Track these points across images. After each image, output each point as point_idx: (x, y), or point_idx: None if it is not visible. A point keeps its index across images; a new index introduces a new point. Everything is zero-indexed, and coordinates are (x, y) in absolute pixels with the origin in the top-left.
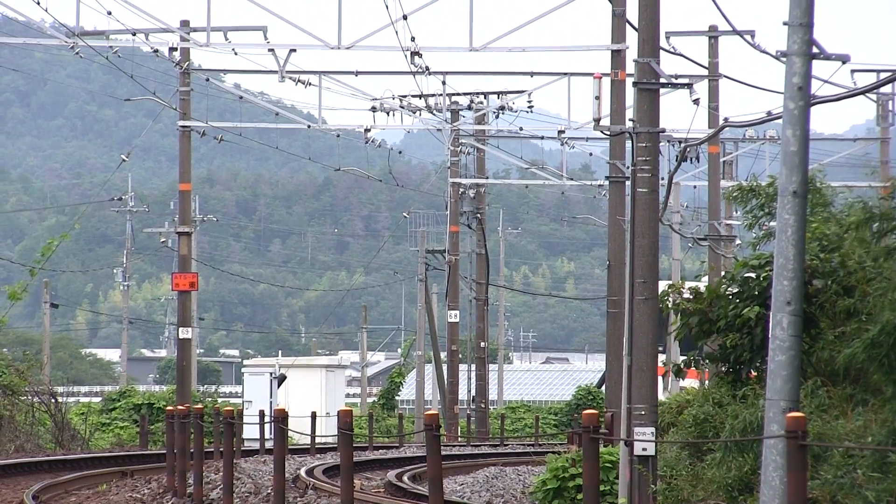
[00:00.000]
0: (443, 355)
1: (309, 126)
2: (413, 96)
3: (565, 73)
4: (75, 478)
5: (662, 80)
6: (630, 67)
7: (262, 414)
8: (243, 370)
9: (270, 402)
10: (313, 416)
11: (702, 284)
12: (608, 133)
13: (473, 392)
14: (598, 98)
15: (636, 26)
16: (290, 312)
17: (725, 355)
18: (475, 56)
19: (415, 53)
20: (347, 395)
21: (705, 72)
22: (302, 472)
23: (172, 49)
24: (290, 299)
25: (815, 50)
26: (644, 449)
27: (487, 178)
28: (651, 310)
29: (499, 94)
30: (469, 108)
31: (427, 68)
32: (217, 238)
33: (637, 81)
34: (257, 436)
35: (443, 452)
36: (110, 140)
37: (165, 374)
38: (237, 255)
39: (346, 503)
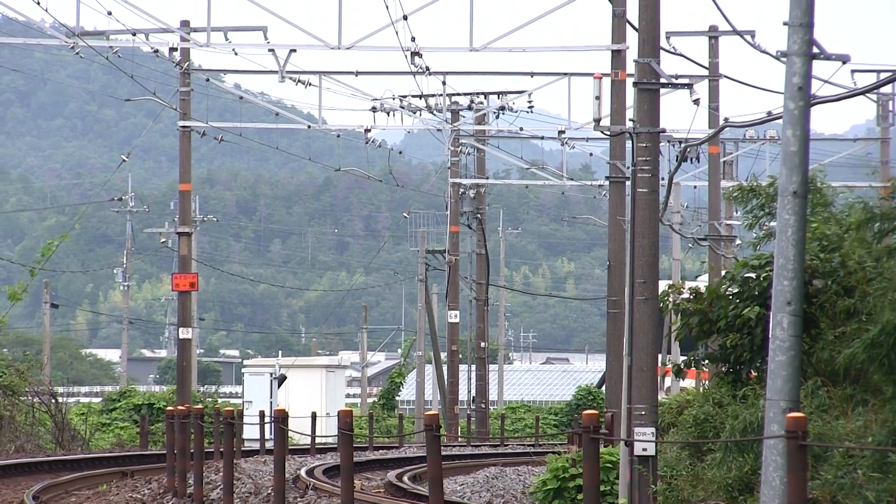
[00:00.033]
0: (443, 355)
1: (309, 126)
2: (413, 96)
3: (565, 74)
4: (75, 478)
5: (663, 81)
6: (630, 67)
7: (262, 414)
8: (243, 370)
9: (270, 403)
10: (313, 416)
11: (702, 285)
12: (608, 133)
13: (473, 392)
14: (598, 98)
15: (636, 26)
16: (290, 313)
17: (725, 355)
18: (475, 56)
19: (415, 53)
20: (347, 396)
21: (705, 72)
22: (302, 472)
23: (172, 49)
24: (290, 299)
25: (815, 50)
26: (644, 449)
27: (487, 178)
28: (651, 310)
29: (499, 94)
30: (469, 108)
31: (427, 68)
32: (217, 238)
33: (637, 81)
34: (257, 436)
35: (443, 453)
36: (110, 140)
37: (165, 374)
38: (237, 256)
39: (346, 503)
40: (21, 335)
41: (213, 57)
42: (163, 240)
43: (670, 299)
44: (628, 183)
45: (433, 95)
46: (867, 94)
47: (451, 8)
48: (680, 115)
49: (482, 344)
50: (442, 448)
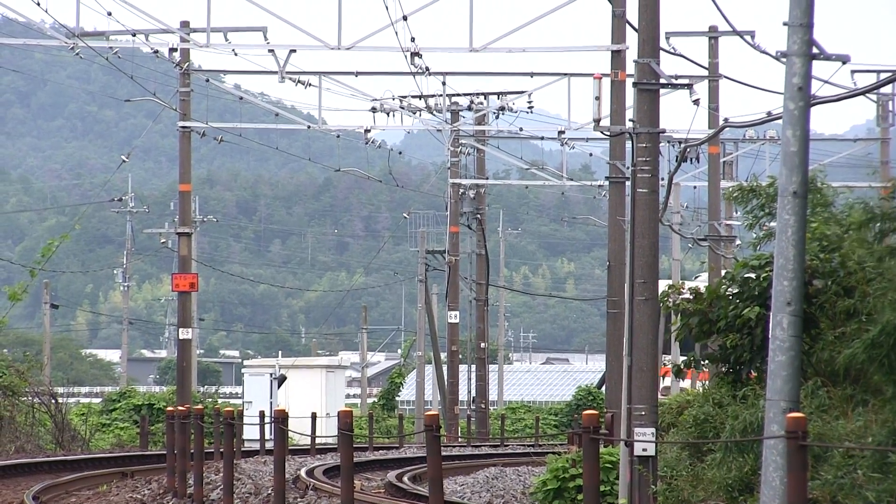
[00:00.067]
0: (443, 356)
1: (309, 127)
2: (413, 97)
3: (565, 74)
4: (75, 478)
5: (662, 81)
6: (630, 68)
7: (262, 414)
8: (243, 371)
9: (270, 403)
10: (313, 416)
11: (701, 284)
12: (608, 133)
13: (473, 392)
14: (598, 98)
15: (636, 27)
16: (290, 313)
17: (725, 356)
18: (475, 56)
19: (415, 54)
20: (347, 396)
21: (705, 72)
22: (302, 472)
23: (172, 50)
24: (290, 300)
25: (815, 50)
26: (644, 449)
27: (487, 178)
28: (651, 310)
29: (499, 94)
30: (469, 108)
31: (427, 69)
32: (217, 239)
33: (637, 82)
34: (257, 436)
35: (443, 453)
36: (110, 141)
37: (165, 374)
38: (237, 256)
39: (346, 503)
40: (21, 335)
41: (213, 57)
42: (163, 240)
43: (670, 299)
44: (628, 183)
45: (433, 96)
46: (867, 95)
47: (450, 8)
48: (680, 116)
49: (482, 344)
50: (442, 448)
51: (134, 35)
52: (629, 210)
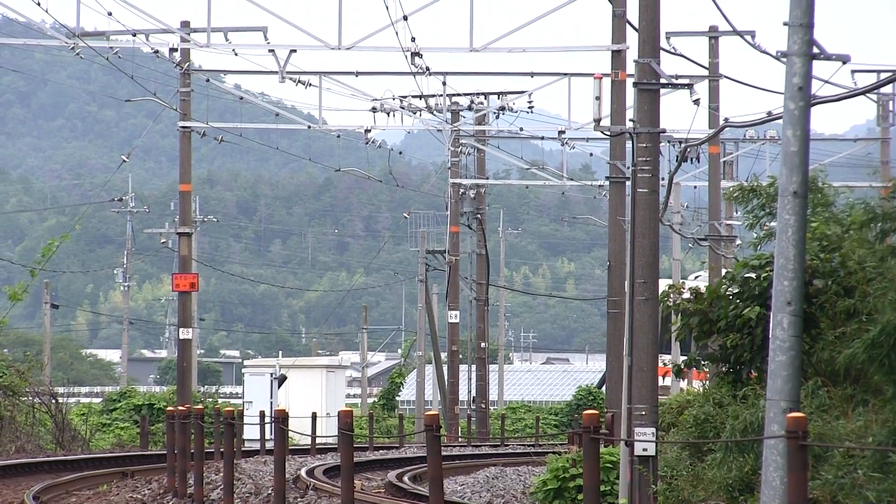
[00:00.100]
0: (443, 356)
1: (309, 127)
2: (413, 97)
3: (566, 74)
4: (76, 478)
5: (663, 81)
6: (630, 68)
7: (262, 414)
8: (244, 371)
9: (271, 403)
10: (314, 416)
11: (702, 284)
12: (608, 133)
13: (474, 392)
14: (598, 98)
15: (636, 27)
16: (290, 313)
17: (726, 355)
18: (475, 56)
19: (415, 54)
20: (348, 396)
21: (706, 72)
22: (302, 472)
23: (173, 50)
24: (290, 300)
25: (815, 50)
26: (644, 449)
27: (488, 178)
28: (651, 310)
29: (499, 94)
30: (469, 108)
31: (427, 69)
32: (217, 239)
33: (637, 82)
34: (258, 436)
35: (443, 453)
36: (111, 141)
37: (166, 374)
38: (237, 256)
39: (346, 503)
40: (21, 335)
41: (214, 57)
42: (163, 240)
43: (670, 299)
44: (628, 183)
45: (433, 96)
46: (867, 95)
47: (451, 8)
48: (680, 116)
49: (482, 344)
50: (442, 448)
51: (134, 35)
52: (629, 210)
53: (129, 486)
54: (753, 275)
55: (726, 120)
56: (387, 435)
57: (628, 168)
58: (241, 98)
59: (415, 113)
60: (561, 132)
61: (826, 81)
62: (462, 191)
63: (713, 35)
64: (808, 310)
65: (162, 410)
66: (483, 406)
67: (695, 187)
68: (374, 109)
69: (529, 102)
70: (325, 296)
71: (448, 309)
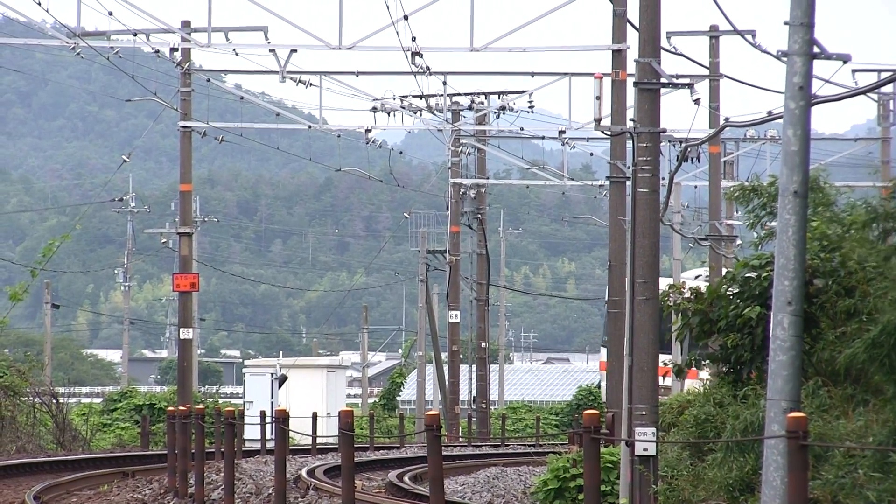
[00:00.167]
0: (444, 356)
1: (310, 126)
2: (414, 96)
3: (566, 74)
4: (76, 478)
5: (663, 80)
6: (631, 67)
7: (262, 414)
8: (244, 371)
9: (271, 403)
10: (314, 416)
11: (702, 283)
12: (609, 133)
13: (474, 392)
14: (598, 98)
15: (637, 26)
16: (290, 313)
17: (726, 355)
18: (476, 56)
19: (415, 54)
20: (348, 396)
21: (706, 72)
22: (303, 472)
23: (173, 50)
24: (290, 300)
25: (815, 50)
26: (645, 449)
27: (488, 178)
28: (652, 310)
29: (499, 94)
30: (470, 108)
31: (428, 68)
32: (218, 239)
33: (638, 81)
34: (258, 436)
35: (444, 453)
36: (111, 141)
37: (166, 374)
38: (238, 256)
39: (347, 503)
40: (22, 336)
41: (214, 57)
42: (163, 240)
43: (671, 299)
44: (629, 183)
45: (434, 95)
46: (868, 94)
47: (451, 8)
48: (680, 115)
49: (483, 344)
50: (443, 448)
51: (135, 35)
52: (630, 210)
53: (129, 486)
54: (754, 274)
55: (727, 119)
56: (387, 435)
57: (629, 168)
58: (242, 98)
59: (415, 113)
60: (561, 132)
61: (827, 81)
62: (462, 191)
63: (714, 34)
64: (808, 309)
65: (163, 410)
66: (483, 406)
67: (695, 187)
68: (374, 109)
69: (530, 102)
70: (325, 296)
71: (448, 309)
